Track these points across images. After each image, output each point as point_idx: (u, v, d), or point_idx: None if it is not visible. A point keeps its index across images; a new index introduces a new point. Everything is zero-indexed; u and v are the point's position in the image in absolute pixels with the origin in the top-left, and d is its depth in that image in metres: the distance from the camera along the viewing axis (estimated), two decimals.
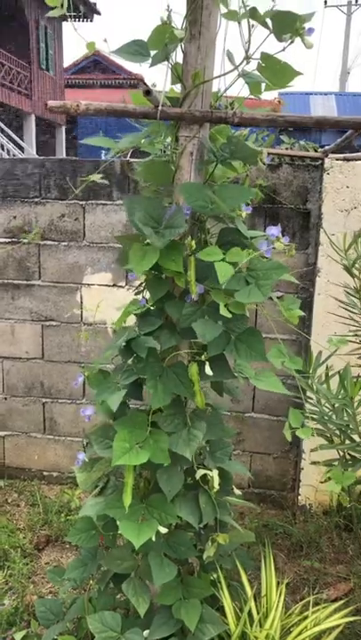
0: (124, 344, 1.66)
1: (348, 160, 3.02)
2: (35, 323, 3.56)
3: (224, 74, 1.61)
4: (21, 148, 15.51)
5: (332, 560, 3.03)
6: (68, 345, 3.56)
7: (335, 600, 2.74)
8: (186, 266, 1.62)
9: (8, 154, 13.91)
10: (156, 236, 1.56)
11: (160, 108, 1.62)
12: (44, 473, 3.75)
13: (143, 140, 1.92)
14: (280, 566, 2.96)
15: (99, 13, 19.89)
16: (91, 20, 19.93)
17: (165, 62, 1.67)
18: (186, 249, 1.63)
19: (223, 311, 1.53)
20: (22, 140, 16.91)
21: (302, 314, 1.61)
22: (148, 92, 1.57)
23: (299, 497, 3.39)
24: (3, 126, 14.60)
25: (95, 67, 24.77)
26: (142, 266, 1.51)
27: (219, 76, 1.62)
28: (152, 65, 1.62)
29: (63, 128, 19.96)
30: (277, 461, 3.53)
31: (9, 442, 3.74)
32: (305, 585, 2.83)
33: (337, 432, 2.16)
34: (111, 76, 23.43)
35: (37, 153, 17.34)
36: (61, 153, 19.37)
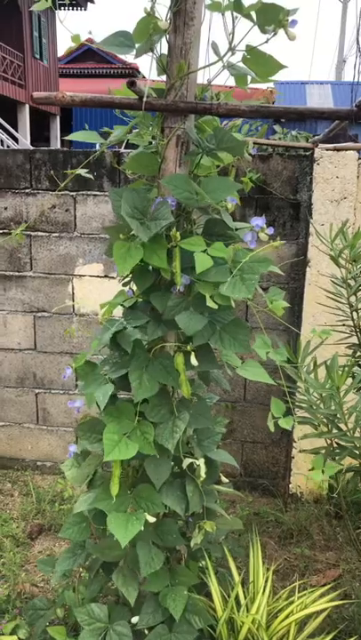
0: (110, 337, 1.67)
1: (338, 150, 3.03)
2: (27, 314, 3.57)
3: (208, 65, 1.61)
4: (15, 139, 15.42)
5: (322, 547, 3.07)
6: (60, 336, 3.58)
7: (324, 586, 2.78)
8: (171, 257, 1.63)
9: (2, 144, 13.84)
10: (142, 228, 1.56)
11: (145, 99, 1.63)
12: (38, 463, 3.77)
13: (132, 132, 1.93)
14: (270, 553, 3.00)
15: (92, 1, 19.73)
16: (84, 9, 19.77)
17: (151, 53, 1.67)
18: (171, 240, 1.64)
19: (210, 303, 1.54)
20: (17, 130, 16.81)
21: (287, 305, 1.63)
22: (132, 84, 1.58)
23: (290, 485, 3.42)
24: None
25: (90, 56, 24.57)
26: (127, 264, 1.52)
27: (203, 68, 1.63)
28: (136, 57, 1.63)
29: (58, 118, 19.85)
30: (269, 450, 3.56)
31: (2, 432, 3.76)
32: (295, 571, 2.86)
33: (325, 421, 2.19)
34: (106, 65, 23.24)
35: (32, 143, 17.26)
36: (56, 143, 19.28)
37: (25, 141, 16.39)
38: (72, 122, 19.41)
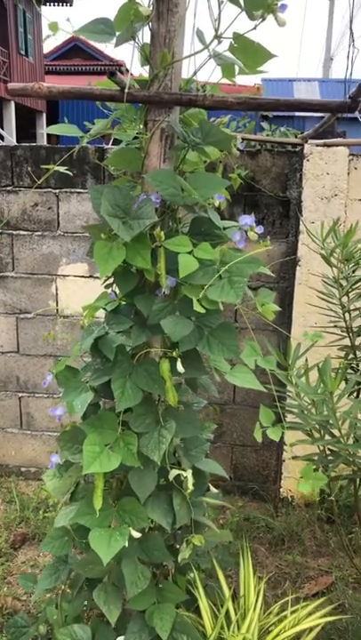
0: (91, 343, 1.58)
1: (328, 146, 2.95)
2: (9, 315, 3.46)
3: (193, 54, 1.52)
4: (1, 137, 15.22)
5: (314, 553, 3.00)
6: (47, 336, 3.47)
7: (316, 594, 2.71)
8: (156, 257, 1.54)
9: None
10: (124, 228, 1.47)
11: (126, 90, 1.53)
12: (22, 469, 3.67)
13: (116, 127, 1.84)
14: (261, 560, 2.92)
15: None
16: (70, 5, 19.58)
17: (133, 42, 1.58)
18: (156, 239, 1.54)
19: (197, 307, 1.45)
20: (2, 127, 16.59)
21: (278, 309, 1.54)
22: (112, 74, 1.48)
23: (281, 489, 3.35)
24: None
25: (77, 53, 24.36)
26: (108, 265, 1.43)
27: (188, 57, 1.54)
28: (117, 45, 1.53)
29: (44, 115, 19.65)
30: (259, 453, 3.48)
31: None
32: (286, 579, 2.79)
33: (317, 426, 2.11)
34: (93, 62, 23.05)
35: (18, 141, 17.04)
36: (42, 140, 19.08)
37: (10, 138, 16.17)
38: (58, 118, 19.21)
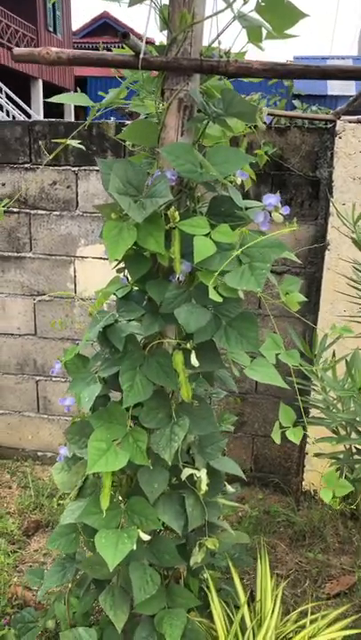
0: (99, 331, 1.46)
1: None
2: (26, 297, 3.37)
3: (215, 13, 1.37)
4: (28, 115, 15.12)
5: (337, 550, 2.88)
6: (62, 321, 3.38)
7: (337, 595, 2.59)
8: (170, 240, 1.41)
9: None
10: (136, 207, 1.34)
11: (142, 55, 1.39)
12: (39, 453, 3.61)
13: (133, 97, 1.70)
14: (281, 557, 2.81)
15: None
16: None
17: (149, 3, 1.44)
18: (170, 221, 1.41)
19: (213, 295, 1.32)
20: (30, 105, 16.50)
21: (304, 299, 1.40)
22: (125, 36, 1.34)
23: (303, 482, 3.22)
24: (8, 91, 14.20)
25: (105, 30, 24.06)
26: (119, 248, 1.30)
27: (209, 17, 1.38)
28: (131, 4, 1.39)
29: (72, 92, 19.47)
30: (281, 444, 3.35)
31: (1, 421, 3.59)
32: (306, 577, 2.67)
33: (343, 423, 1.97)
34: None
35: (45, 118, 16.93)
36: (70, 117, 18.95)
37: (37, 116, 16.10)
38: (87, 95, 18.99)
